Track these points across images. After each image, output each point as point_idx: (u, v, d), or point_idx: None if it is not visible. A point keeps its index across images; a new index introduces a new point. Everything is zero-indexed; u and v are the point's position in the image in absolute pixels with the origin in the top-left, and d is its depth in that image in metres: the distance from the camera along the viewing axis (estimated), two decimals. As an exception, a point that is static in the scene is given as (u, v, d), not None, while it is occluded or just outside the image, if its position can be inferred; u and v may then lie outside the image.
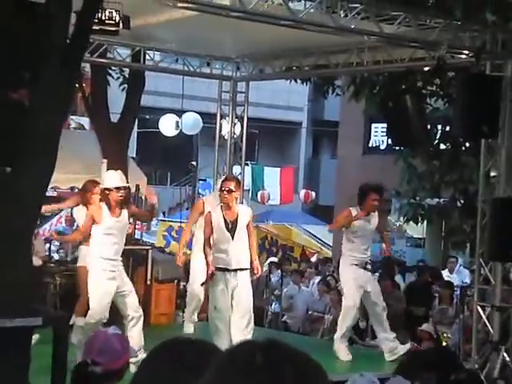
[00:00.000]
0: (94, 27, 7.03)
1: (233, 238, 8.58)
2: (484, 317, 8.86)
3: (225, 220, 8.63)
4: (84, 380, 3.59)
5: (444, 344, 10.70)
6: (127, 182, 8.42)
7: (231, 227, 8.62)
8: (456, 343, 10.24)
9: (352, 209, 9.13)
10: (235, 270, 8.59)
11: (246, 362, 1.33)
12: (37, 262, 9.60)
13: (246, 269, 8.70)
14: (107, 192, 8.07)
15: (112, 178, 8.21)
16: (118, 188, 8.07)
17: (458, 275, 14.50)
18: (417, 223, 15.76)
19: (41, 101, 5.83)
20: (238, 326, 8.53)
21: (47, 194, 8.12)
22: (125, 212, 8.15)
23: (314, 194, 26.59)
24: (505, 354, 8.42)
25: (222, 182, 8.92)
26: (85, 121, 19.73)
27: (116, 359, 3.63)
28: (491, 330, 8.76)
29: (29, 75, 5.74)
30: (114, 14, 8.29)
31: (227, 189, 8.64)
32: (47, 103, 5.83)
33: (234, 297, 8.61)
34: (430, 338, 10.51)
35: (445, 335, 11.03)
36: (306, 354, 1.38)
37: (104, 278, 7.94)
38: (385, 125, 16.78)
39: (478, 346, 8.92)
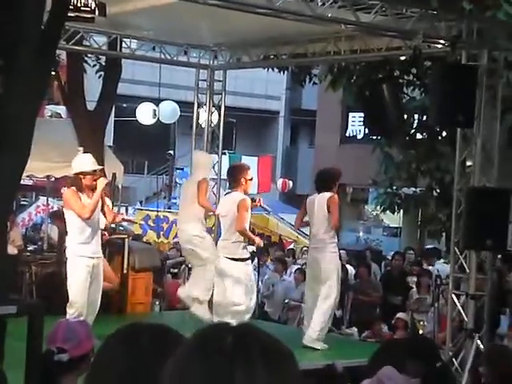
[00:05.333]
0: (69, 14, 6.98)
1: None
2: (459, 305, 8.92)
3: None
4: (51, 370, 3.57)
5: (420, 332, 10.76)
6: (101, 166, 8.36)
7: None
8: (431, 331, 10.31)
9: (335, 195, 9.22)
10: None
11: (216, 344, 1.32)
12: (12, 250, 9.56)
13: None
14: (81, 176, 7.98)
15: (84, 162, 8.10)
16: (93, 171, 7.99)
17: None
18: (393, 212, 15.80)
19: (15, 88, 5.77)
20: None
21: (23, 182, 8.08)
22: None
23: (291, 182, 26.59)
24: (479, 342, 8.48)
25: (246, 171, 9.21)
26: (61, 109, 19.58)
27: (81, 344, 3.65)
28: (466, 318, 8.82)
29: (2, 62, 5.68)
30: (90, 0, 8.22)
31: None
32: (22, 90, 5.78)
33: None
34: (405, 326, 10.57)
35: (421, 323, 11.09)
36: (277, 339, 1.38)
37: (82, 265, 7.88)
38: (362, 114, 16.82)
39: (452, 334, 8.98)
